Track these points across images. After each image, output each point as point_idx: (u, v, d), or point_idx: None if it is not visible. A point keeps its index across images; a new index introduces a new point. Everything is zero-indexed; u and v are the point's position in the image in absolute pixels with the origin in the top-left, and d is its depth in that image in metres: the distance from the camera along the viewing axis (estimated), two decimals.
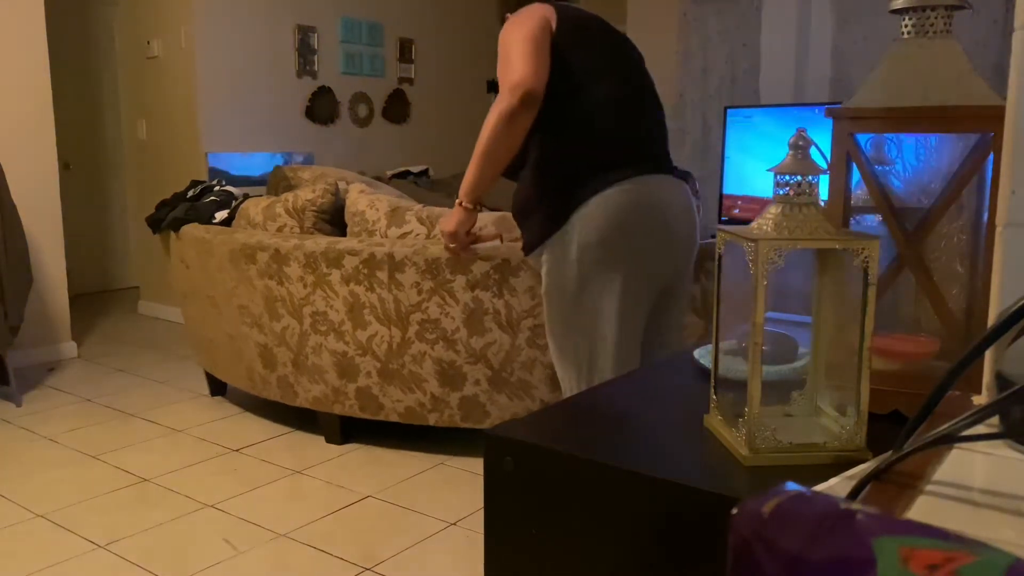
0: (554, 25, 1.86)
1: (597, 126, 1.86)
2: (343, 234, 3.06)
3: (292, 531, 2.38)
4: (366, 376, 2.84)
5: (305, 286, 2.88)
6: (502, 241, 2.58)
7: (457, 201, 1.99)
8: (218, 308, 3.27)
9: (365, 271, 2.75)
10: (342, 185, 3.27)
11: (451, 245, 2.13)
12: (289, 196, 3.18)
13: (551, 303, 1.92)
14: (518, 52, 1.79)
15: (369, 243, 2.79)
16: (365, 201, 3.03)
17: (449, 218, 2.08)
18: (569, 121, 1.86)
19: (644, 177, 1.85)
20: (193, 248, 3.36)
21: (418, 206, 2.98)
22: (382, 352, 2.79)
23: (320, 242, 2.86)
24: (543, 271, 1.91)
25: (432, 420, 2.80)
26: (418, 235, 2.83)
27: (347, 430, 3.04)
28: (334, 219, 3.13)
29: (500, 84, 1.82)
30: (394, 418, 2.85)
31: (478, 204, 1.96)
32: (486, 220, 2.79)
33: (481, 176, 1.89)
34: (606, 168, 1.84)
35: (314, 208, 3.09)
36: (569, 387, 1.95)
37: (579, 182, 1.84)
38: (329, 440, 3.04)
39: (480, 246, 2.41)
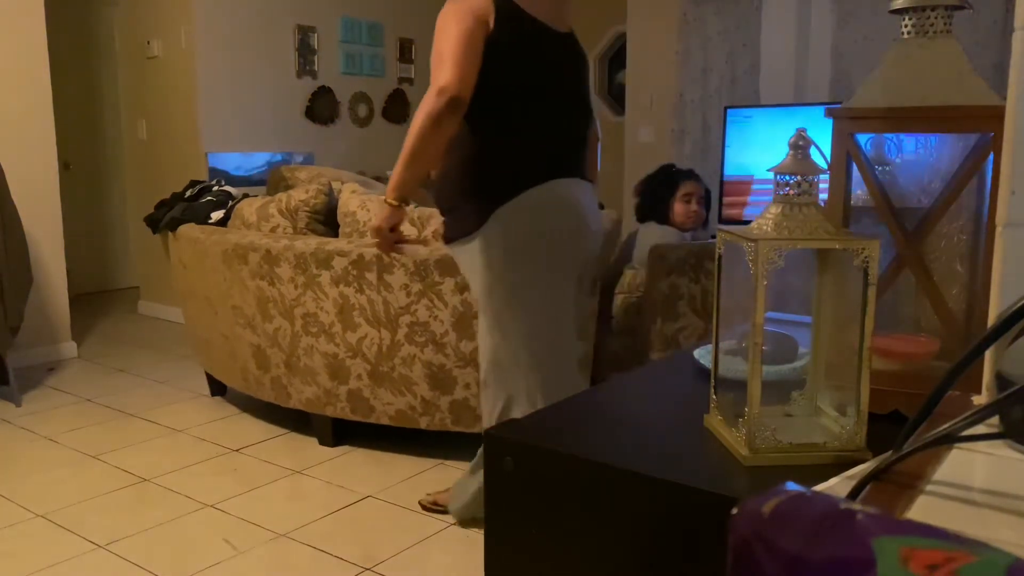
0: (491, 23, 1.90)
1: (523, 131, 1.95)
2: (337, 235, 3.06)
3: (292, 531, 2.38)
4: (357, 378, 2.84)
5: (296, 287, 2.88)
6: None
7: (382, 198, 2.05)
8: (214, 308, 3.27)
9: (354, 272, 2.74)
10: (336, 185, 3.26)
11: (375, 240, 2.17)
12: (283, 196, 3.18)
13: (480, 295, 2.03)
14: (450, 51, 1.83)
15: (358, 244, 2.78)
16: (356, 202, 3.02)
17: (376, 215, 2.12)
18: (497, 124, 1.94)
19: (562, 180, 1.99)
20: (189, 248, 3.36)
21: (410, 206, 2.97)
22: (372, 354, 2.79)
23: (310, 243, 2.85)
24: (464, 266, 2.05)
25: (423, 424, 2.79)
26: (409, 236, 2.82)
27: (340, 432, 3.03)
28: (328, 220, 3.13)
29: (431, 75, 1.87)
30: (385, 421, 2.85)
31: (404, 201, 2.01)
32: None
33: (408, 175, 1.94)
34: (529, 170, 1.94)
35: (307, 209, 3.09)
36: (493, 377, 2.05)
37: (503, 182, 1.94)
38: (322, 442, 3.03)
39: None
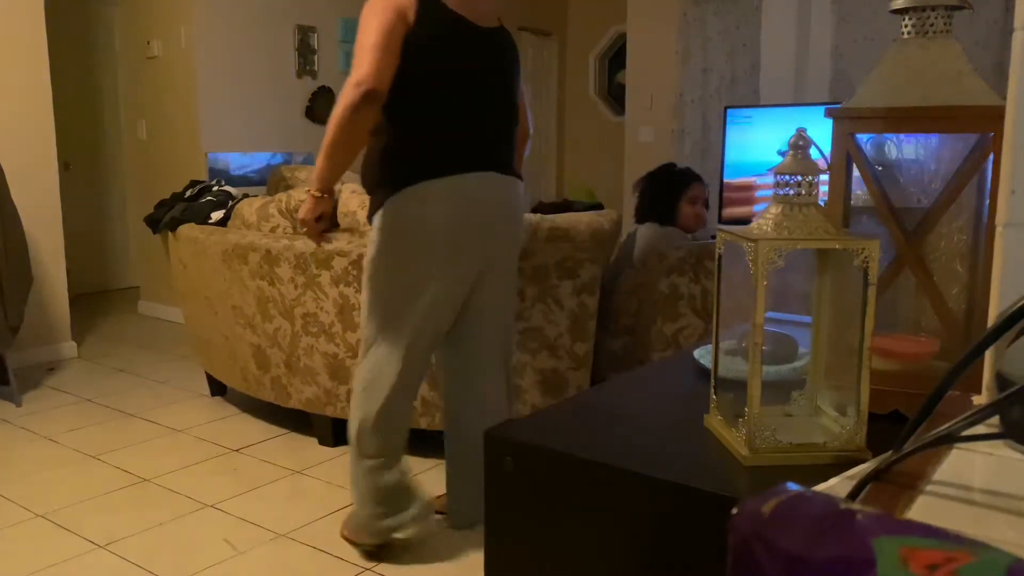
0: (412, 18, 1.93)
1: (435, 124, 1.99)
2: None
3: (292, 531, 2.38)
4: None
5: (296, 287, 2.88)
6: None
7: (306, 189, 2.10)
8: (214, 308, 3.27)
9: (354, 272, 2.74)
10: (336, 185, 3.26)
11: (303, 230, 2.22)
12: (283, 196, 3.18)
13: (368, 269, 2.10)
14: (369, 45, 1.88)
15: (358, 244, 2.78)
16: (357, 201, 3.02)
17: (303, 206, 2.16)
18: (411, 116, 1.99)
19: (471, 174, 2.01)
20: (189, 248, 3.36)
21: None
22: None
23: (310, 243, 2.85)
24: (369, 243, 2.11)
25: (424, 424, 2.79)
26: (338, 227, 2.83)
27: (340, 432, 3.02)
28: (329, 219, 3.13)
29: (353, 65, 1.91)
30: None
31: (326, 192, 2.06)
32: None
33: (328, 165, 1.98)
34: (431, 163, 1.99)
35: None
36: (361, 352, 2.16)
37: (403, 172, 2.00)
38: (322, 442, 3.03)
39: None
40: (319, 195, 2.03)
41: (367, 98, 1.86)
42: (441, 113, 1.99)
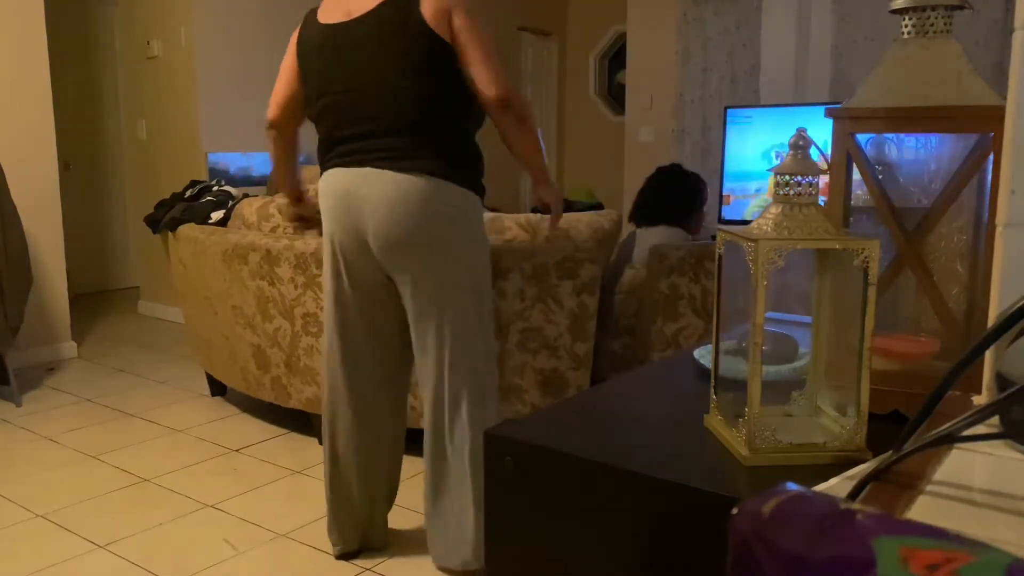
0: (295, 40, 2.10)
1: (321, 128, 2.06)
2: None
3: (292, 531, 2.38)
4: None
5: (296, 287, 2.88)
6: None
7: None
8: (214, 308, 3.27)
9: None
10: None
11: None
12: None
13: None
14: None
15: None
16: None
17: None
18: (316, 125, 2.10)
19: (343, 170, 1.99)
20: (188, 248, 3.36)
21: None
22: None
23: (310, 243, 2.85)
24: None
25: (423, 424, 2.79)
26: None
27: None
28: None
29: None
30: None
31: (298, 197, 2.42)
32: None
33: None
34: (324, 161, 2.06)
35: None
36: None
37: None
38: (322, 442, 3.02)
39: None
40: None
41: (267, 128, 2.25)
42: (320, 117, 2.05)
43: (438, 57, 1.89)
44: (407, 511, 2.49)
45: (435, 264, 1.95)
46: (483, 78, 1.89)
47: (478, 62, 1.89)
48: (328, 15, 2.01)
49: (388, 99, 1.92)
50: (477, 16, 1.92)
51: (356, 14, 1.95)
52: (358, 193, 1.95)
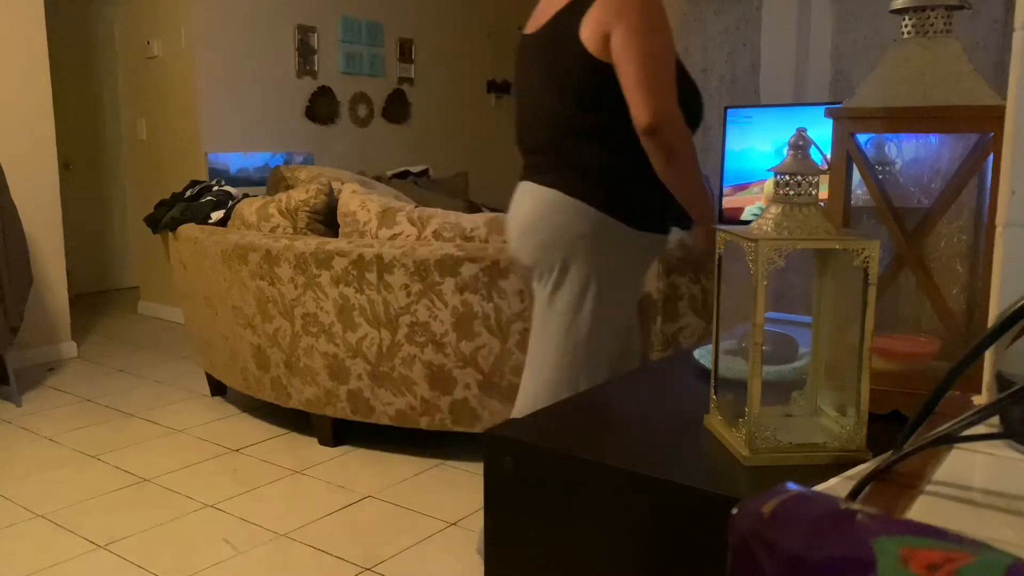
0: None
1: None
2: (337, 235, 3.06)
3: (292, 531, 2.38)
4: (357, 378, 2.84)
5: (296, 287, 2.88)
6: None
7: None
8: (214, 308, 3.27)
9: (354, 272, 2.74)
10: (336, 185, 3.26)
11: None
12: (283, 196, 3.18)
13: None
14: None
15: (358, 244, 2.78)
16: (357, 201, 3.02)
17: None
18: None
19: (520, 184, 1.95)
20: (188, 248, 3.36)
21: (409, 207, 2.97)
22: (372, 354, 2.79)
23: (310, 243, 2.85)
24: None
25: (423, 424, 2.79)
26: (408, 236, 2.83)
27: (339, 432, 3.03)
28: (328, 220, 3.13)
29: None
30: (385, 421, 2.85)
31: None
32: (478, 221, 2.79)
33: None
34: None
35: (307, 208, 3.09)
36: None
37: None
38: (322, 442, 3.03)
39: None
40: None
41: None
42: (516, 131, 2.01)
43: (596, 81, 1.76)
44: (408, 511, 2.50)
45: None
46: (634, 102, 1.73)
47: (631, 86, 1.73)
48: (529, 23, 1.96)
49: (545, 120, 1.87)
50: (644, 29, 1.73)
51: (534, 28, 1.90)
52: (513, 206, 2.00)
